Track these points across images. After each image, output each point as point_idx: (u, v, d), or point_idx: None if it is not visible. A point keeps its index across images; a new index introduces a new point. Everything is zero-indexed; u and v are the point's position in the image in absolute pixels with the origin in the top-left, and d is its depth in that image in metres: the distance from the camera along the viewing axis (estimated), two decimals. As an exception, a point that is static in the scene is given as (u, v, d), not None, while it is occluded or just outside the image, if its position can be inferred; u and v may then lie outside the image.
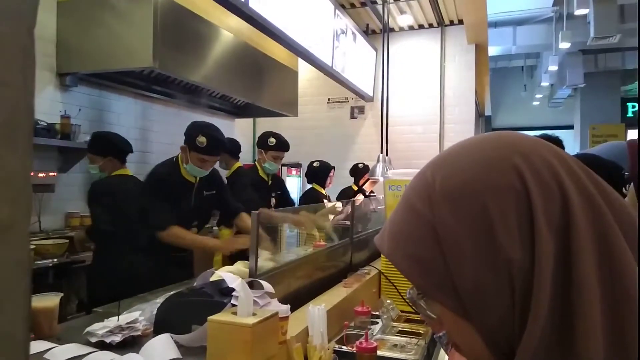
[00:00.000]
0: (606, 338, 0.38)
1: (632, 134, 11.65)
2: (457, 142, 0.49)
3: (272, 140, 3.26)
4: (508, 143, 0.45)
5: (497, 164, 0.43)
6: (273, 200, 3.37)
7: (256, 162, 3.39)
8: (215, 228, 3.89)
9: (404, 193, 0.50)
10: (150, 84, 3.86)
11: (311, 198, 3.89)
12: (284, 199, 3.53)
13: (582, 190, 0.42)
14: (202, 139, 2.37)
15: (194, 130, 2.43)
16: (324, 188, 4.01)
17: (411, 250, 0.46)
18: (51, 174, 3.22)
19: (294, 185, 5.75)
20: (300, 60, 4.74)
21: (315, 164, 4.03)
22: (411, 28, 5.97)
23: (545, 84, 11.43)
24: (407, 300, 2.21)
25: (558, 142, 2.62)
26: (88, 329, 1.37)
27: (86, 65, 3.26)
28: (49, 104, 3.28)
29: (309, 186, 4.11)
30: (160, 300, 1.55)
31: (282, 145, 3.30)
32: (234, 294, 1.37)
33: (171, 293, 1.56)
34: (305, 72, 5.57)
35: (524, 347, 0.40)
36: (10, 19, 0.24)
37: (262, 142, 3.31)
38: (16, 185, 0.24)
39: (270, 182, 3.38)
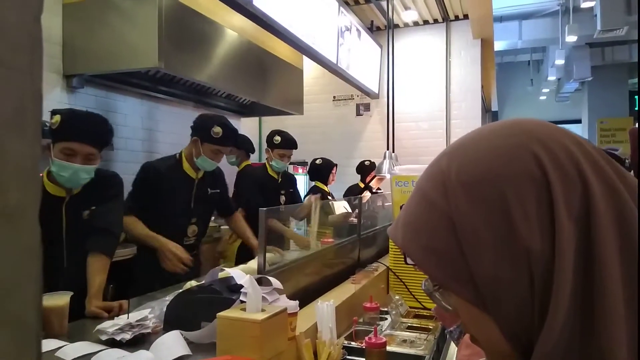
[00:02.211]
0: (629, 329, 0.37)
1: (640, 127, 11.54)
2: (472, 130, 0.48)
3: (278, 138, 3.30)
4: (525, 130, 0.44)
5: (515, 151, 0.42)
6: (283, 198, 3.39)
7: (265, 161, 3.43)
8: (225, 227, 3.91)
9: (417, 182, 0.49)
10: (156, 84, 3.88)
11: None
12: (294, 197, 3.55)
13: (602, 177, 0.41)
14: (217, 129, 2.35)
15: (208, 122, 2.40)
16: (326, 185, 4.02)
17: (426, 241, 0.45)
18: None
19: (301, 183, 5.74)
20: (305, 58, 4.73)
21: (317, 162, 4.03)
22: (416, 24, 5.95)
23: (552, 78, 11.37)
24: (414, 296, 2.21)
25: None
26: (98, 327, 1.38)
27: (92, 66, 3.27)
28: (56, 105, 3.30)
29: (312, 184, 4.13)
30: (169, 297, 1.56)
31: (288, 142, 3.33)
32: (242, 290, 1.38)
33: (180, 290, 1.57)
34: (310, 70, 5.56)
35: (544, 339, 0.39)
36: (17, 6, 0.24)
37: (269, 141, 3.36)
38: (25, 171, 0.24)
39: (280, 180, 3.40)
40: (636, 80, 12.14)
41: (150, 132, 4.26)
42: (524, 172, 0.41)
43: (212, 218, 2.85)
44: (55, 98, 3.29)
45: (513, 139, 0.43)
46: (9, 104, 0.23)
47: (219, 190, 2.61)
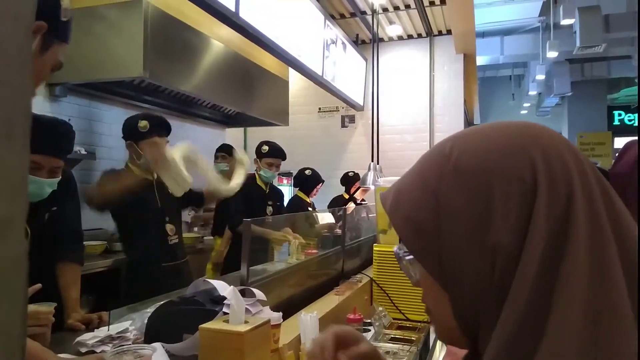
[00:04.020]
0: (582, 341, 0.38)
1: (619, 142, 11.82)
2: (489, 123, 0.51)
3: (266, 147, 3.33)
4: (531, 134, 0.46)
5: (515, 152, 0.44)
6: (270, 209, 3.39)
7: (254, 172, 3.44)
8: (210, 237, 3.88)
9: (421, 157, 0.52)
10: (140, 93, 3.85)
11: (296, 206, 3.91)
12: (281, 210, 3.56)
13: (589, 196, 0.43)
14: (143, 123, 2.27)
15: (131, 121, 2.35)
16: (308, 196, 4.02)
17: (409, 212, 0.48)
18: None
19: (285, 194, 5.74)
20: (291, 70, 4.76)
21: (307, 172, 4.04)
22: (400, 38, 6.04)
23: (532, 92, 11.59)
24: (397, 308, 2.21)
25: None
26: (78, 339, 1.35)
27: (76, 75, 3.24)
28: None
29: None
30: (150, 309, 1.54)
31: (275, 152, 3.35)
32: (225, 302, 1.37)
33: (162, 302, 1.55)
34: (296, 81, 5.59)
35: (498, 333, 0.41)
36: (8, 19, 0.25)
37: (257, 151, 3.38)
38: (13, 181, 0.25)
39: (267, 190, 3.41)
40: (615, 95, 12.45)
41: (134, 141, 4.22)
42: (516, 174, 0.43)
43: (195, 229, 2.83)
44: (37, 107, 3.25)
45: (516, 141, 0.45)
46: (0, 118, 0.23)
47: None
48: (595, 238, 0.41)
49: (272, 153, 3.33)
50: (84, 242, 1.97)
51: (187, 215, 4.26)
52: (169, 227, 2.42)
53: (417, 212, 0.47)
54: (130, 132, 2.34)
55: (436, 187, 0.46)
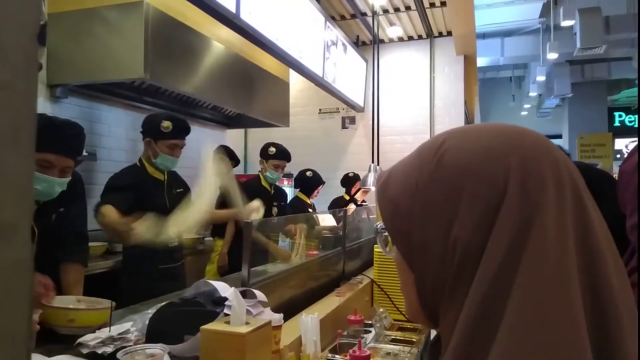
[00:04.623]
0: (533, 337, 0.39)
1: (619, 143, 11.82)
2: (487, 123, 0.54)
3: (273, 149, 3.37)
4: (514, 140, 0.48)
5: (494, 157, 0.46)
6: (275, 210, 3.42)
7: (259, 172, 3.46)
8: (210, 239, 3.88)
9: (421, 144, 0.55)
10: (141, 95, 3.86)
11: (297, 207, 3.92)
12: (285, 211, 3.58)
13: (558, 206, 0.44)
14: (166, 124, 2.33)
15: (155, 119, 2.39)
16: (309, 198, 4.03)
17: (393, 194, 0.52)
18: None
19: (288, 193, 5.75)
20: (291, 71, 4.76)
21: (308, 173, 4.04)
22: (401, 39, 6.04)
23: (533, 94, 11.59)
24: (398, 309, 2.22)
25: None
26: (79, 340, 1.35)
27: (77, 76, 3.25)
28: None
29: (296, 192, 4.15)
30: (152, 310, 1.54)
31: (282, 154, 3.40)
32: (226, 303, 1.37)
33: (163, 303, 1.55)
34: (296, 82, 5.59)
35: (456, 331, 0.43)
36: (14, 27, 0.25)
37: (263, 152, 3.43)
38: (19, 186, 0.25)
39: (272, 191, 3.44)
40: (615, 97, 12.45)
41: (135, 142, 4.23)
42: (489, 178, 0.45)
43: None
44: (38, 108, 3.25)
45: (499, 146, 0.47)
46: (6, 123, 0.24)
47: (182, 189, 2.59)
48: (557, 248, 0.42)
49: (279, 155, 3.39)
50: (88, 244, 2.00)
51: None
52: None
53: (398, 195, 0.51)
54: (151, 129, 2.38)
55: (418, 175, 0.50)
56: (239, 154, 4.38)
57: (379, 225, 0.58)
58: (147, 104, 4.05)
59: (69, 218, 1.79)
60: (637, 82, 7.19)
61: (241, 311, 1.21)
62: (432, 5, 5.17)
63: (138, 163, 2.45)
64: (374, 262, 2.47)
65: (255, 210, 2.74)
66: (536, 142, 0.48)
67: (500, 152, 0.46)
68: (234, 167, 4.11)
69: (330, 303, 2.00)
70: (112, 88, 3.59)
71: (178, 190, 2.53)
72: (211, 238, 3.81)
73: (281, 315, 1.39)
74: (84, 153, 3.46)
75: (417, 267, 0.49)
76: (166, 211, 2.38)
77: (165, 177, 2.46)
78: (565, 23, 6.97)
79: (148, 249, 2.33)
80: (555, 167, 0.46)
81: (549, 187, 0.44)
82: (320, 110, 6.28)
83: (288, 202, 3.91)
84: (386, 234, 0.56)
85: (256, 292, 1.42)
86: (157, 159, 2.37)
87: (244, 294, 1.36)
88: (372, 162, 4.74)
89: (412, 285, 0.51)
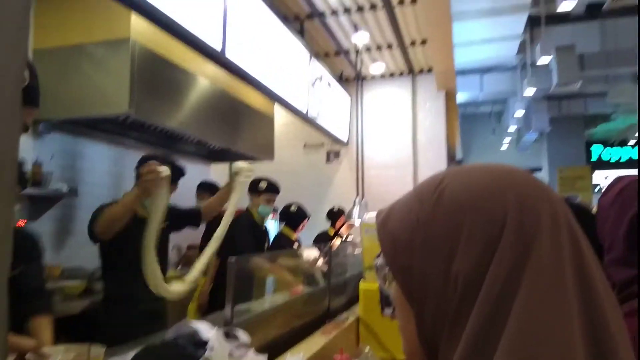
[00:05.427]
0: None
1: (598, 176, 12.08)
2: (486, 163, 0.55)
3: (263, 184, 3.37)
4: (510, 179, 0.50)
5: (491, 194, 0.48)
6: (266, 245, 3.41)
7: (248, 208, 3.41)
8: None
9: (420, 182, 0.56)
10: (125, 130, 3.85)
11: (282, 244, 3.84)
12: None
13: (555, 241, 0.45)
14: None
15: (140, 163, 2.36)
16: (294, 232, 3.97)
17: (394, 229, 0.53)
18: (21, 222, 3.12)
19: (271, 229, 5.70)
20: (276, 105, 4.82)
21: (292, 208, 4.01)
22: (383, 76, 6.18)
23: (512, 128, 11.84)
24: (385, 347, 2.18)
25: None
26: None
27: (61, 112, 3.22)
28: (20, 151, 3.22)
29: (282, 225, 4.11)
30: (131, 353, 1.49)
31: (273, 187, 3.41)
32: (208, 346, 1.33)
33: (143, 347, 1.50)
34: (281, 117, 5.64)
35: (460, 349, 0.43)
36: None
37: (253, 187, 3.39)
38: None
39: (264, 227, 3.42)
40: (592, 131, 12.81)
41: (117, 177, 4.19)
42: (488, 215, 0.46)
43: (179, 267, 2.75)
44: (20, 144, 3.22)
45: (495, 183, 0.49)
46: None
47: (168, 222, 2.47)
48: (553, 279, 0.43)
49: (271, 189, 3.39)
50: (62, 284, 1.94)
51: (172, 251, 4.19)
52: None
53: (399, 229, 0.52)
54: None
55: (419, 211, 0.51)
56: (224, 188, 4.36)
57: (378, 262, 0.58)
58: (132, 139, 4.03)
59: (30, 274, 1.76)
60: (637, 102, 7.27)
61: (223, 354, 1.17)
62: (413, 43, 5.33)
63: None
64: (360, 299, 2.44)
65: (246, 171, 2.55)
66: (530, 180, 0.50)
67: (497, 189, 0.48)
68: None
69: (315, 342, 1.96)
70: (96, 123, 3.58)
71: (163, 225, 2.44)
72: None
73: (265, 356, 1.36)
74: (65, 190, 3.42)
75: (417, 301, 0.49)
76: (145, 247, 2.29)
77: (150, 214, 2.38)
78: (542, 60, 7.21)
79: (129, 287, 2.27)
80: (549, 202, 0.48)
81: (544, 221, 0.46)
82: (305, 144, 6.32)
83: (272, 238, 3.87)
84: (386, 269, 0.56)
85: (239, 332, 1.38)
86: (147, 200, 2.31)
87: (227, 334, 1.32)
88: (357, 196, 4.75)
89: (412, 321, 0.51)
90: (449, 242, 0.47)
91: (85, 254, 2.36)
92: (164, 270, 2.46)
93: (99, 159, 3.98)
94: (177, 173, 2.38)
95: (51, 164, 3.41)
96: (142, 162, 2.36)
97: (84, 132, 3.72)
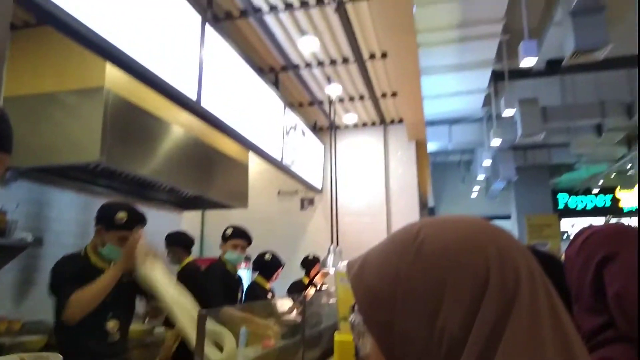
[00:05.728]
0: None
1: (565, 224, 12.41)
2: (458, 214, 0.54)
3: (229, 230, 3.34)
4: (491, 235, 0.50)
5: (473, 248, 0.48)
6: (239, 295, 3.32)
7: (220, 258, 3.34)
8: (161, 330, 3.66)
9: (394, 233, 0.54)
10: (95, 177, 3.78)
11: (255, 294, 3.74)
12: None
13: (532, 292, 0.46)
14: (122, 215, 2.21)
15: (111, 209, 2.27)
16: (268, 282, 3.88)
17: (371, 282, 0.50)
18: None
19: (244, 278, 5.56)
20: (250, 153, 4.84)
21: (266, 257, 3.93)
22: (356, 125, 6.33)
23: (481, 177, 12.14)
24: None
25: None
26: None
27: (31, 159, 3.15)
28: (-18, 199, 3.12)
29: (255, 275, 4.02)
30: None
31: (240, 233, 3.34)
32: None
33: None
34: (255, 164, 5.67)
35: None
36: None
37: (222, 236, 3.35)
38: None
39: (237, 276, 3.35)
40: (557, 180, 13.25)
41: (85, 226, 4.07)
42: (471, 268, 0.46)
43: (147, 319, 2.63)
44: (-17, 191, 3.12)
45: (476, 236, 0.49)
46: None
47: (131, 279, 2.32)
48: (532, 333, 0.44)
49: (236, 234, 3.32)
50: (22, 339, 1.83)
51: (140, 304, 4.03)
52: (111, 324, 2.22)
53: (377, 283, 0.50)
54: (104, 218, 2.25)
55: (398, 263, 0.49)
56: (196, 235, 4.28)
57: (354, 320, 0.55)
58: (101, 186, 3.96)
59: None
60: (637, 117, 7.50)
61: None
62: (384, 95, 5.51)
63: (82, 253, 2.30)
64: (334, 351, 2.38)
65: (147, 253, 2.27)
66: (504, 233, 0.51)
67: (478, 244, 0.48)
68: (188, 252, 3.97)
69: (289, 397, 1.88)
70: (66, 171, 3.51)
71: (128, 280, 2.28)
72: (163, 328, 3.60)
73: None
74: (29, 240, 3.30)
75: (398, 358, 0.47)
76: (102, 307, 2.14)
77: (110, 265, 2.28)
78: (507, 113, 7.52)
79: (85, 345, 2.13)
80: (523, 255, 0.49)
81: (523, 275, 0.47)
82: (279, 191, 6.32)
83: (246, 287, 3.78)
84: (363, 328, 0.53)
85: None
86: (104, 248, 2.24)
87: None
88: (332, 243, 4.73)
89: None
90: (433, 298, 0.46)
91: (47, 307, 2.24)
92: (127, 323, 2.36)
93: (66, 207, 3.88)
94: (137, 219, 2.30)
95: (16, 213, 3.30)
96: (103, 210, 2.30)
97: (52, 180, 3.64)
